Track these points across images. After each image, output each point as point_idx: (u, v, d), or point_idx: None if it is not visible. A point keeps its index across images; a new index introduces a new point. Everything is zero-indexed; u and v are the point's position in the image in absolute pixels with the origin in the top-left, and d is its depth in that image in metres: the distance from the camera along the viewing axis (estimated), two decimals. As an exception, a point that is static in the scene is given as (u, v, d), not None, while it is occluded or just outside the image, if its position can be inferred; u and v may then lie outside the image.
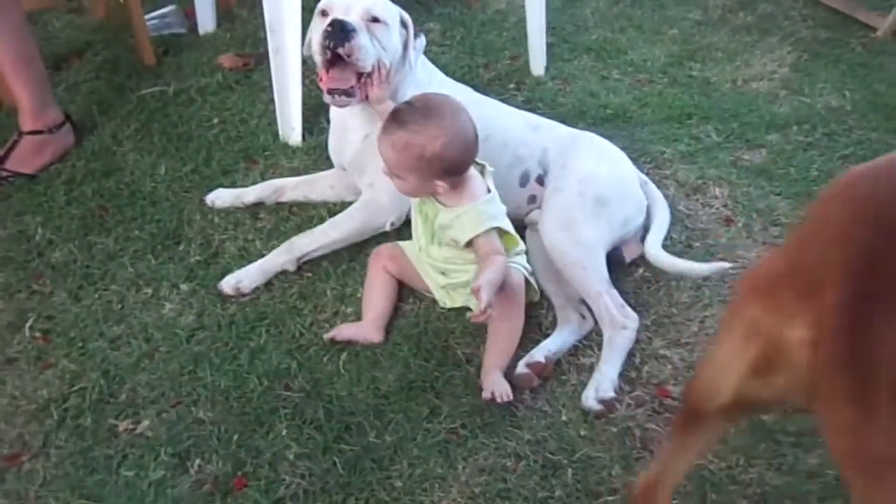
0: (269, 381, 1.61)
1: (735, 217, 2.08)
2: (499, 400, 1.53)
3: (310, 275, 1.86)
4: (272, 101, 2.29)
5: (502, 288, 1.59)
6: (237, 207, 2.03)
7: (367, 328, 1.70)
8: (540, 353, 1.64)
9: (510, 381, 1.58)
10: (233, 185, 2.13)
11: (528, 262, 1.77)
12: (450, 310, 1.76)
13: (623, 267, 1.88)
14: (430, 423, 1.54)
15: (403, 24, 1.82)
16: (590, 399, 1.57)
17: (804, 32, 3.02)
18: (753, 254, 1.97)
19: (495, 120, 1.92)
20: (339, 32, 1.67)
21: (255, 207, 2.03)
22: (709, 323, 1.76)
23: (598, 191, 1.79)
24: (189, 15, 2.92)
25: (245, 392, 1.59)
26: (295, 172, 2.16)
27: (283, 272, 1.84)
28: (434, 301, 1.78)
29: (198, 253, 1.91)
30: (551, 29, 2.86)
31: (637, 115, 2.47)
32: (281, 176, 2.14)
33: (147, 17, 2.83)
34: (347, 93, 1.76)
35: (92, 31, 2.86)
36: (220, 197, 2.04)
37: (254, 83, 2.56)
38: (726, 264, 1.77)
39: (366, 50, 1.71)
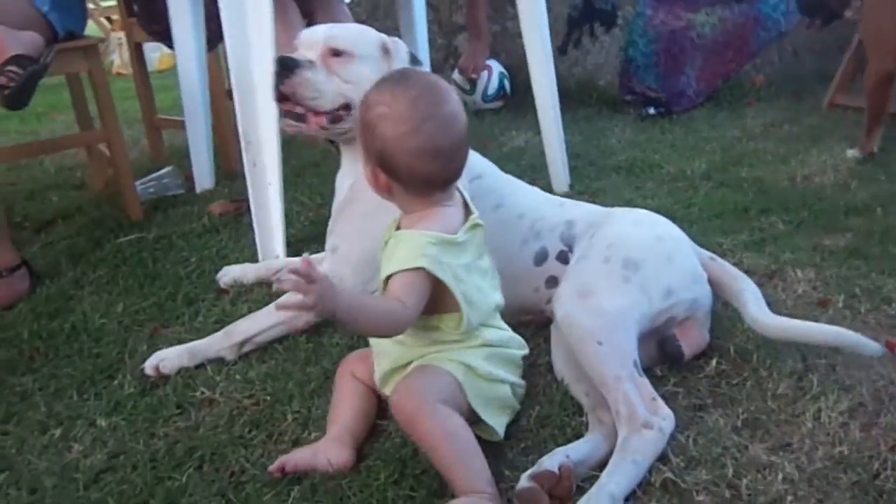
0: (183, 532, 1.10)
1: (831, 298, 1.58)
2: None
3: (268, 397, 1.41)
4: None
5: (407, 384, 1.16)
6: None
7: (328, 447, 1.20)
8: (553, 462, 1.11)
9: (515, 501, 1.07)
10: (195, 315, 1.77)
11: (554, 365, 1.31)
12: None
13: (690, 363, 1.38)
14: (413, 580, 0.98)
15: (385, 52, 1.55)
16: None
17: (861, 133, 2.67)
18: (868, 337, 1.44)
19: (511, 190, 1.58)
20: (280, 69, 1.47)
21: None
22: (825, 417, 1.21)
23: (627, 253, 1.35)
24: (188, 178, 2.77)
25: (145, 549, 1.08)
26: (273, 298, 1.78)
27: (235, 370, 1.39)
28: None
29: (133, 386, 1.49)
30: (574, 156, 2.60)
31: (682, 214, 2.08)
32: (252, 307, 1.76)
33: (144, 179, 2.70)
34: (299, 117, 1.54)
35: (87, 200, 2.71)
36: (227, 273, 1.91)
37: (243, 225, 2.28)
38: (877, 346, 1.29)
39: (312, 85, 1.48)
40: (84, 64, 2.27)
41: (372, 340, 1.30)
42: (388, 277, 1.16)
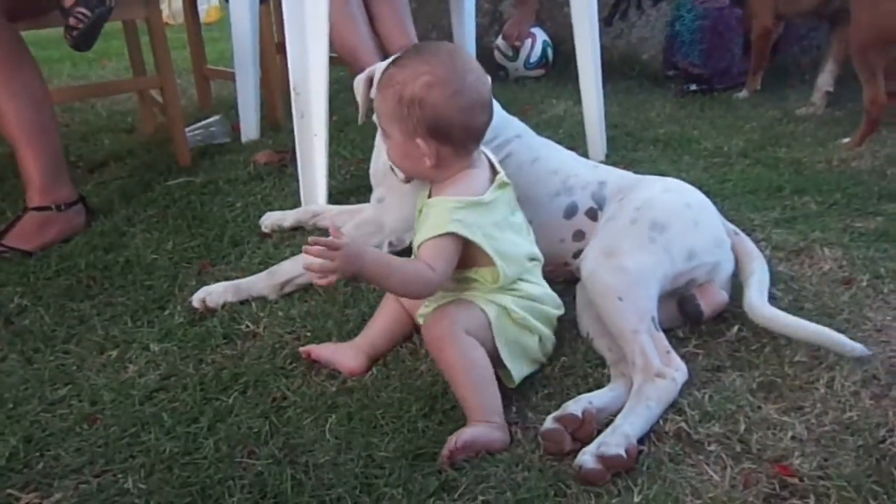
0: (229, 446, 1.19)
1: (855, 277, 1.62)
2: (443, 455, 1.12)
3: (308, 334, 1.50)
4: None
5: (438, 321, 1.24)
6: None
7: (346, 350, 1.35)
8: (577, 406, 1.19)
9: (540, 440, 1.16)
10: (241, 256, 1.86)
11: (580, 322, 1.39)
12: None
13: (711, 325, 1.44)
14: (439, 500, 1.07)
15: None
16: (585, 454, 1.10)
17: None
18: (888, 317, 1.48)
19: (547, 148, 1.65)
20: None
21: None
22: (837, 385, 1.26)
23: (655, 215, 1.41)
24: (234, 128, 2.85)
25: (195, 459, 1.17)
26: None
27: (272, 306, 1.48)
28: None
29: (182, 316, 1.59)
30: (612, 127, 2.63)
31: (716, 188, 2.11)
32: (295, 251, 1.84)
33: (192, 127, 2.78)
34: None
35: (137, 144, 2.82)
36: (269, 217, 1.99)
37: (287, 175, 2.37)
38: (860, 347, 1.31)
39: None
40: (143, 10, 2.35)
41: None
42: (420, 245, 1.24)
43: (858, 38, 2.41)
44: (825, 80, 2.89)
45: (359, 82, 1.62)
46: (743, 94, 3.13)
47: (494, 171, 1.33)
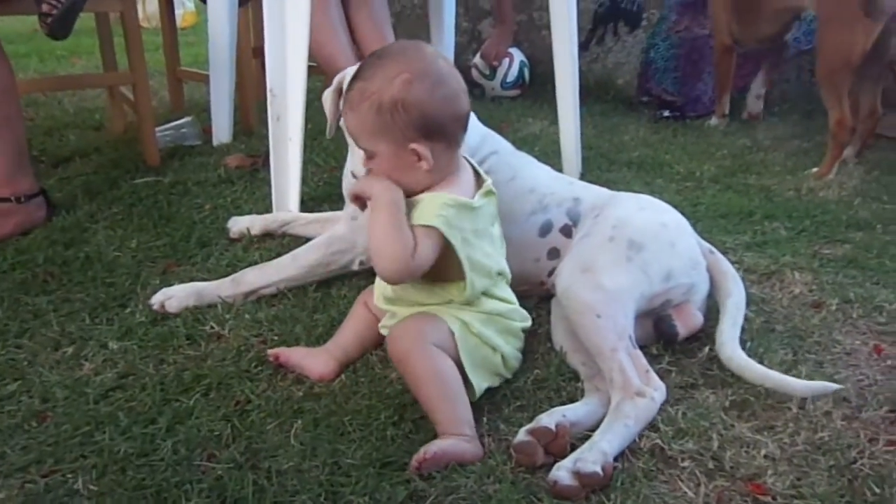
0: (188, 449, 1.14)
1: (825, 301, 1.63)
2: (412, 466, 1.09)
3: (275, 338, 1.45)
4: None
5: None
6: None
7: (317, 355, 1.32)
8: (550, 420, 1.16)
9: (512, 453, 1.13)
10: (207, 257, 1.81)
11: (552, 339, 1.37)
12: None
13: (684, 343, 1.43)
14: (406, 510, 1.03)
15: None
16: (560, 469, 1.08)
17: (869, 156, 2.73)
18: (857, 341, 1.50)
19: (525, 165, 1.63)
20: None
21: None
22: (809, 406, 1.26)
23: (633, 235, 1.39)
24: (206, 131, 2.80)
25: (151, 461, 1.12)
26: (285, 250, 1.82)
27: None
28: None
29: (144, 315, 1.53)
30: (587, 148, 2.64)
31: (689, 211, 2.09)
32: (264, 255, 1.80)
33: (162, 127, 2.73)
34: None
35: (105, 141, 2.75)
36: (236, 223, 1.93)
37: (258, 179, 2.32)
38: (833, 385, 1.28)
39: None
40: (118, 4, 2.30)
41: (385, 302, 1.34)
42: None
43: (825, 62, 2.47)
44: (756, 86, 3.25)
45: (327, 94, 1.59)
46: (713, 121, 3.16)
47: (478, 178, 1.31)
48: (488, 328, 1.27)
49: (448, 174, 1.25)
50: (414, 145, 1.18)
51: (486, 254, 1.27)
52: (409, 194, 1.22)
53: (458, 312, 1.25)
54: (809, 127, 3.05)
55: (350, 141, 1.52)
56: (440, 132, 1.20)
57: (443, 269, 1.23)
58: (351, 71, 1.35)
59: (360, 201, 1.25)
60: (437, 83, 1.19)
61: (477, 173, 1.33)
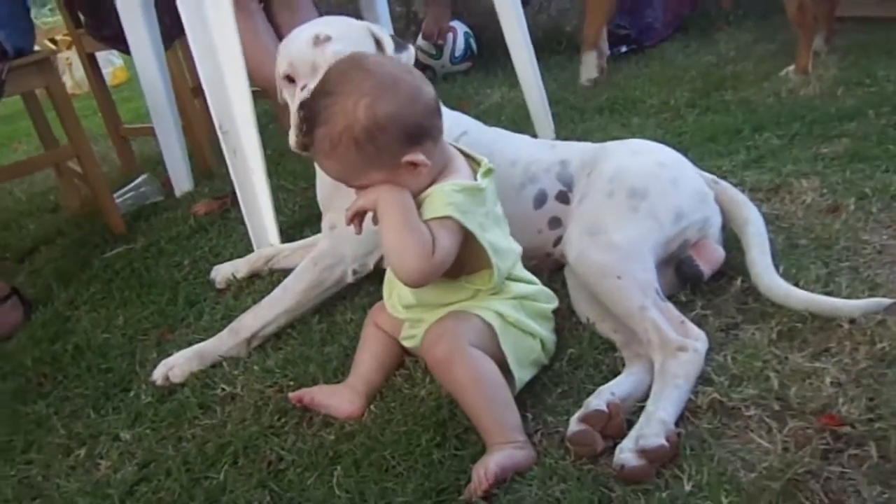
0: (230, 529, 1.06)
1: (841, 203, 1.56)
2: (474, 492, 1.00)
3: (291, 383, 1.37)
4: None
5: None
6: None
7: (342, 394, 1.24)
8: (600, 401, 1.09)
9: (569, 446, 1.05)
10: (200, 315, 1.72)
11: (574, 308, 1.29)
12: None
13: (712, 282, 1.36)
14: (476, 538, 0.96)
15: (377, 43, 1.49)
16: (623, 452, 1.00)
17: (839, 43, 2.65)
18: (885, 236, 1.43)
19: (499, 140, 1.55)
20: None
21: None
22: (859, 318, 1.19)
23: (632, 183, 1.31)
24: (165, 184, 2.69)
25: (195, 552, 1.04)
26: (277, 286, 1.73)
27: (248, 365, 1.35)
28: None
29: (149, 395, 1.44)
30: (554, 103, 2.55)
31: (675, 143, 2.01)
32: (257, 298, 1.70)
33: (121, 191, 2.62)
34: None
35: (65, 222, 2.63)
36: (219, 272, 1.83)
37: (231, 220, 2.22)
38: (885, 301, 1.19)
39: None
40: (40, 80, 2.18)
41: (405, 311, 1.25)
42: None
43: None
44: None
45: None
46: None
47: (470, 159, 1.22)
48: (522, 314, 1.19)
49: (444, 165, 1.16)
50: (407, 158, 1.10)
51: (503, 235, 1.20)
52: (413, 196, 1.14)
53: (490, 303, 1.17)
54: (769, 28, 2.98)
55: None
56: (423, 133, 1.11)
57: (465, 259, 1.15)
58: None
59: (362, 217, 1.15)
60: (396, 89, 1.10)
61: (467, 155, 1.24)
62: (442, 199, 1.11)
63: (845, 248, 1.40)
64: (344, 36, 1.42)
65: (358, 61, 1.15)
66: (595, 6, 2.80)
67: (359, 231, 1.17)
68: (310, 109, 1.13)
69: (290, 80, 1.46)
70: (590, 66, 2.79)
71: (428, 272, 1.09)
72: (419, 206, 1.12)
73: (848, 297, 1.24)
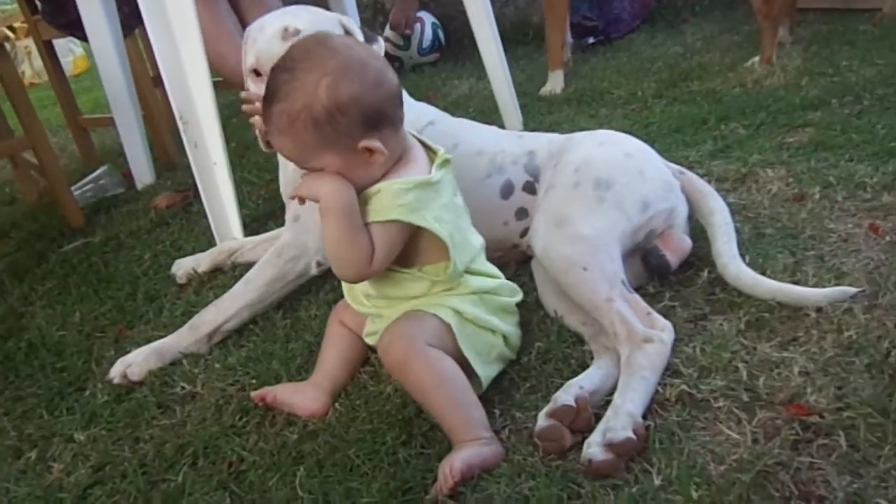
0: (188, 532, 1.03)
1: (807, 192, 1.56)
2: (440, 491, 0.98)
3: (254, 381, 1.33)
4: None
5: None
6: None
7: (306, 391, 1.21)
8: (567, 395, 1.07)
9: (537, 441, 1.03)
10: (160, 311, 1.67)
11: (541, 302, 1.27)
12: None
13: (680, 273, 1.35)
14: (442, 539, 0.93)
15: (347, 35, 1.44)
16: (591, 446, 0.99)
17: (803, 33, 2.67)
18: (850, 224, 1.43)
19: (466, 130, 1.52)
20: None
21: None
22: (826, 307, 1.18)
23: (596, 173, 1.30)
24: (126, 176, 2.62)
25: (151, 558, 1.00)
26: (235, 281, 1.68)
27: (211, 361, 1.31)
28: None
29: (106, 394, 1.39)
30: (522, 95, 2.53)
31: (642, 133, 2.03)
32: (220, 292, 1.66)
33: (79, 183, 2.54)
34: None
35: (21, 215, 2.55)
36: (180, 266, 1.79)
37: (194, 214, 2.17)
38: (851, 290, 1.19)
39: None
40: (-8, 67, 2.11)
41: (366, 302, 1.22)
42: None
43: None
44: None
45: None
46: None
47: (429, 151, 1.19)
48: (481, 309, 1.17)
49: (400, 155, 1.13)
50: (364, 143, 1.07)
51: (459, 227, 1.17)
52: (363, 188, 1.11)
53: (446, 300, 1.15)
54: (734, 19, 2.99)
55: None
56: (383, 119, 1.08)
57: (420, 248, 1.13)
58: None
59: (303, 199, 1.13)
60: (360, 71, 1.06)
61: (426, 146, 1.21)
62: (390, 199, 1.08)
63: (811, 237, 1.40)
64: (313, 28, 1.38)
65: (323, 40, 1.12)
66: (555, 23, 2.76)
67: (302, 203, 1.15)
68: (269, 84, 1.09)
69: (258, 73, 1.41)
70: (556, 83, 2.74)
71: (362, 277, 1.13)
72: (366, 201, 1.09)
73: (814, 285, 1.24)
